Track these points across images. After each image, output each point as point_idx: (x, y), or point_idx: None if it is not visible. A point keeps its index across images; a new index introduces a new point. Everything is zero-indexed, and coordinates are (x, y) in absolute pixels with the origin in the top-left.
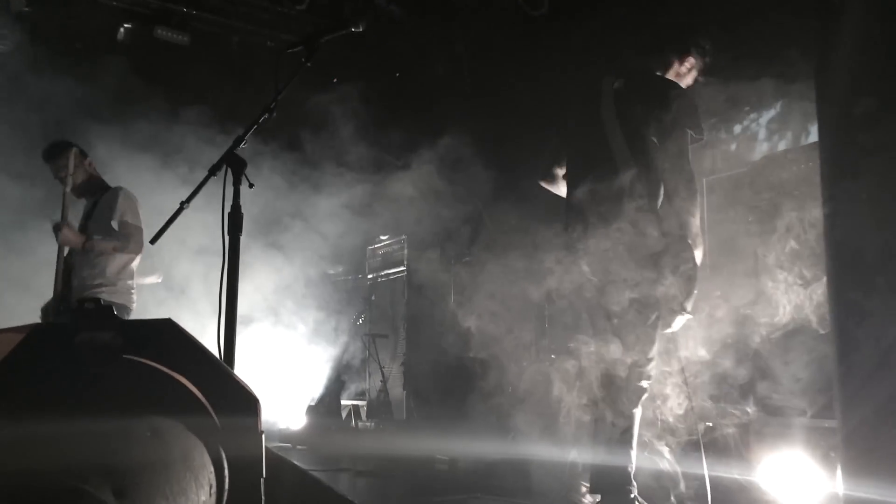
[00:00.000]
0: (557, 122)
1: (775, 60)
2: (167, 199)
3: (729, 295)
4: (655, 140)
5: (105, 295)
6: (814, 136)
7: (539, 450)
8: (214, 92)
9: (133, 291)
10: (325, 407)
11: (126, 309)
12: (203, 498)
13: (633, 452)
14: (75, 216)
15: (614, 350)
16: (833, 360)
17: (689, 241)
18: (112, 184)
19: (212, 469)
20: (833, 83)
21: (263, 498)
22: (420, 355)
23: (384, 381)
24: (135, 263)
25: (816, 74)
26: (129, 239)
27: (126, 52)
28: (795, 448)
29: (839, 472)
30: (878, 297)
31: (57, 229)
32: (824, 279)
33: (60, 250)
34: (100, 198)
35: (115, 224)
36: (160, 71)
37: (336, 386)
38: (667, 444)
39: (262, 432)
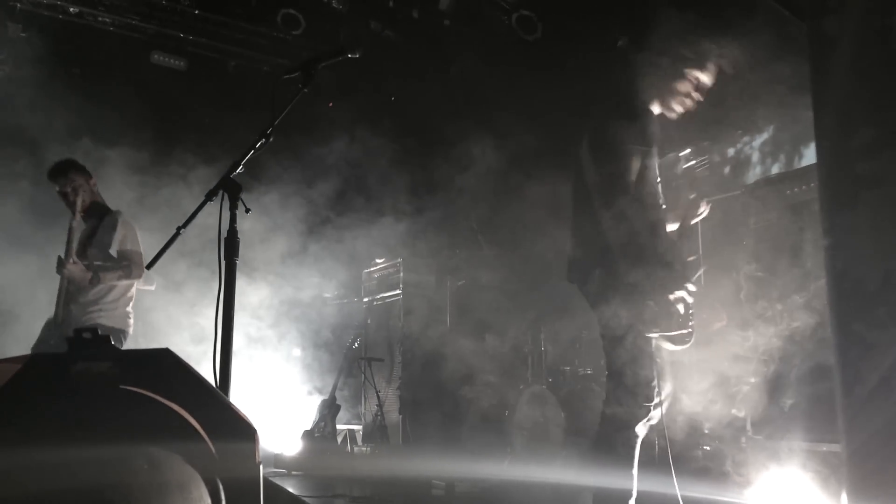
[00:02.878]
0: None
1: (768, 85)
2: (163, 223)
3: (726, 317)
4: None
5: (103, 319)
6: (807, 160)
7: (536, 472)
8: (211, 117)
9: (130, 316)
10: (321, 432)
11: (123, 333)
12: None
13: (635, 475)
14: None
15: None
16: (837, 390)
17: (673, 267)
18: (111, 206)
19: (208, 501)
20: (830, 114)
21: None
22: (416, 379)
23: (380, 406)
24: (133, 290)
25: (814, 105)
26: (130, 267)
27: (123, 76)
28: (792, 471)
29: (844, 496)
30: (879, 328)
31: (61, 265)
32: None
33: (62, 279)
34: (99, 223)
35: (113, 251)
36: (157, 96)
37: (332, 410)
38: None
39: (259, 463)
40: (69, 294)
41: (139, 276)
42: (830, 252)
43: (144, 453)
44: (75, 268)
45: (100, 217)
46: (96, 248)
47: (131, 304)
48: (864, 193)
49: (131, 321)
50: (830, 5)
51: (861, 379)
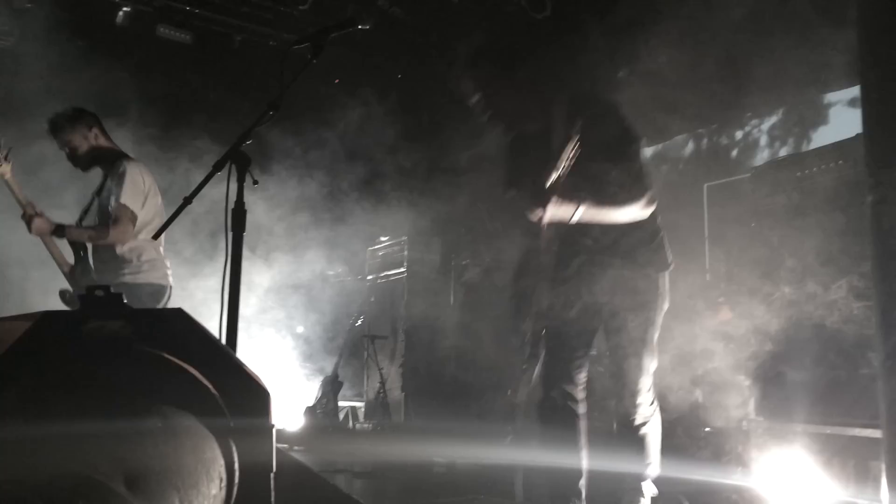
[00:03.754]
0: None
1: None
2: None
3: (733, 299)
4: None
5: (127, 278)
6: (815, 143)
7: (537, 454)
8: (217, 90)
9: (166, 266)
10: (323, 408)
11: (160, 288)
12: (214, 491)
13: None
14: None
15: None
16: (878, 352)
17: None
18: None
19: (222, 462)
20: (877, 73)
21: (273, 493)
22: (419, 357)
23: (382, 383)
24: (146, 232)
25: (860, 63)
26: (108, 227)
27: (128, 49)
28: (795, 454)
29: (884, 482)
30: None
31: (28, 220)
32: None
33: (49, 241)
34: (107, 173)
35: (111, 205)
36: (162, 68)
37: (334, 387)
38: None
39: (272, 426)
40: (95, 254)
41: (121, 239)
42: (876, 209)
43: (158, 414)
44: (40, 220)
45: (108, 166)
46: (106, 201)
47: (161, 252)
48: None
49: (168, 272)
50: None
51: None
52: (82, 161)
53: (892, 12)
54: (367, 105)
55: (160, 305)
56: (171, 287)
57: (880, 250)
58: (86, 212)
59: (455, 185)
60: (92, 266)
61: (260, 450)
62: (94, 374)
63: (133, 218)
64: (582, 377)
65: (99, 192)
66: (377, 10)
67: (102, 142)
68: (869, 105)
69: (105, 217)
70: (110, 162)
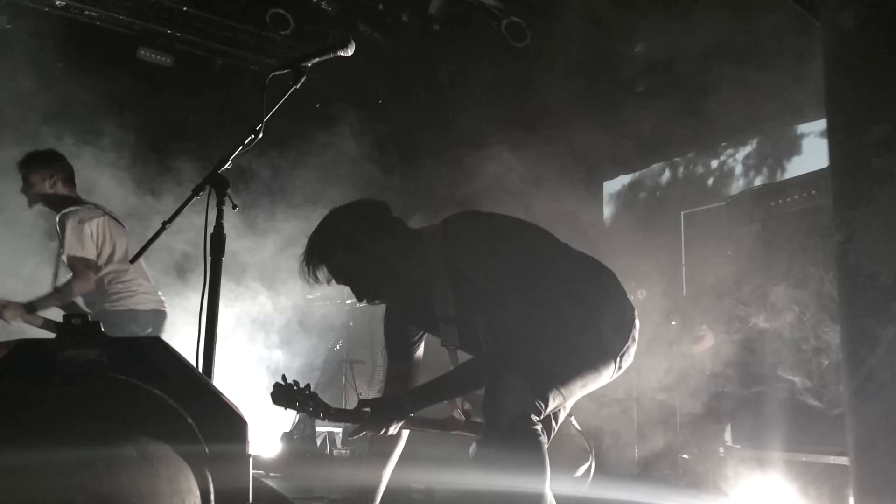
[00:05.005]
0: None
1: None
2: (148, 219)
3: (711, 326)
4: None
5: (119, 306)
6: (789, 173)
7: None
8: (197, 113)
9: (154, 291)
10: (300, 434)
11: (159, 314)
12: None
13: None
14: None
15: None
16: (845, 388)
17: None
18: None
19: (197, 492)
20: (844, 110)
21: None
22: None
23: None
24: (118, 264)
25: (827, 101)
26: (70, 282)
27: (108, 70)
28: (771, 481)
29: (851, 499)
30: (892, 324)
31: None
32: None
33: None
34: (57, 224)
35: (65, 261)
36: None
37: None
38: None
39: (249, 455)
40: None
41: (86, 288)
42: (843, 247)
43: (134, 444)
44: (11, 310)
45: (55, 218)
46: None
47: (146, 276)
48: (877, 189)
49: (155, 296)
50: (846, 0)
51: (871, 376)
52: (29, 198)
53: (857, 55)
54: (347, 129)
55: (151, 330)
56: (162, 312)
57: (847, 287)
58: (58, 268)
59: (432, 210)
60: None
61: (236, 478)
62: (70, 403)
63: (88, 264)
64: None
65: (60, 247)
66: (358, 36)
67: (59, 190)
68: (836, 146)
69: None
70: (56, 213)
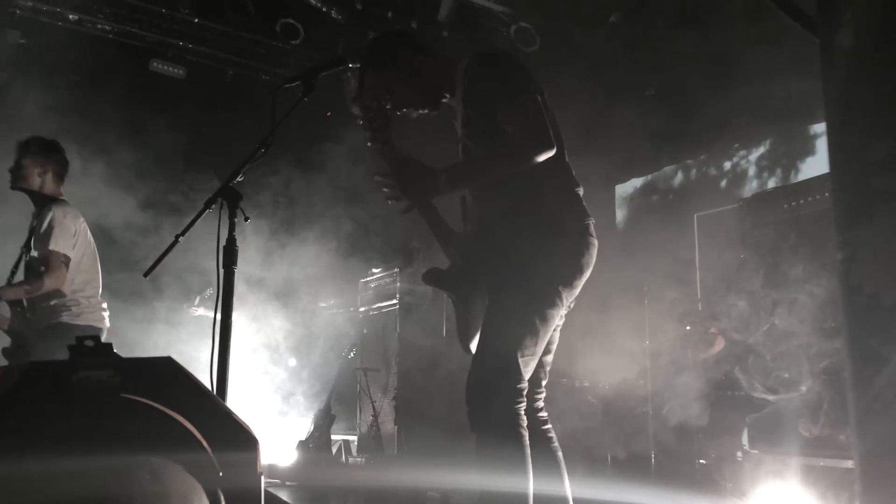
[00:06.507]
0: None
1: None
2: (161, 233)
3: (721, 328)
4: None
5: (65, 318)
6: (803, 175)
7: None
8: (210, 125)
9: (102, 308)
10: (315, 442)
11: (97, 331)
12: None
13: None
14: None
15: None
16: (851, 408)
17: None
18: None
19: None
20: (845, 128)
21: None
22: (412, 389)
23: (375, 416)
24: (81, 273)
25: (827, 119)
26: (41, 277)
27: (121, 83)
28: (789, 486)
29: None
30: None
31: None
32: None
33: None
34: (36, 218)
35: (39, 253)
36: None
37: (326, 421)
38: None
39: (260, 473)
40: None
41: (57, 285)
42: (845, 266)
43: (145, 463)
44: None
45: (37, 212)
46: (35, 249)
47: (99, 293)
48: (879, 207)
49: (105, 314)
50: (844, 18)
51: (877, 396)
52: (14, 181)
53: (856, 73)
54: (357, 136)
55: None
56: (106, 329)
57: (850, 307)
58: (16, 267)
59: (445, 214)
60: (28, 313)
61: (247, 497)
62: (82, 425)
63: (66, 261)
64: None
65: (27, 244)
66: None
67: (46, 183)
68: (835, 164)
69: (37, 267)
70: (39, 207)
